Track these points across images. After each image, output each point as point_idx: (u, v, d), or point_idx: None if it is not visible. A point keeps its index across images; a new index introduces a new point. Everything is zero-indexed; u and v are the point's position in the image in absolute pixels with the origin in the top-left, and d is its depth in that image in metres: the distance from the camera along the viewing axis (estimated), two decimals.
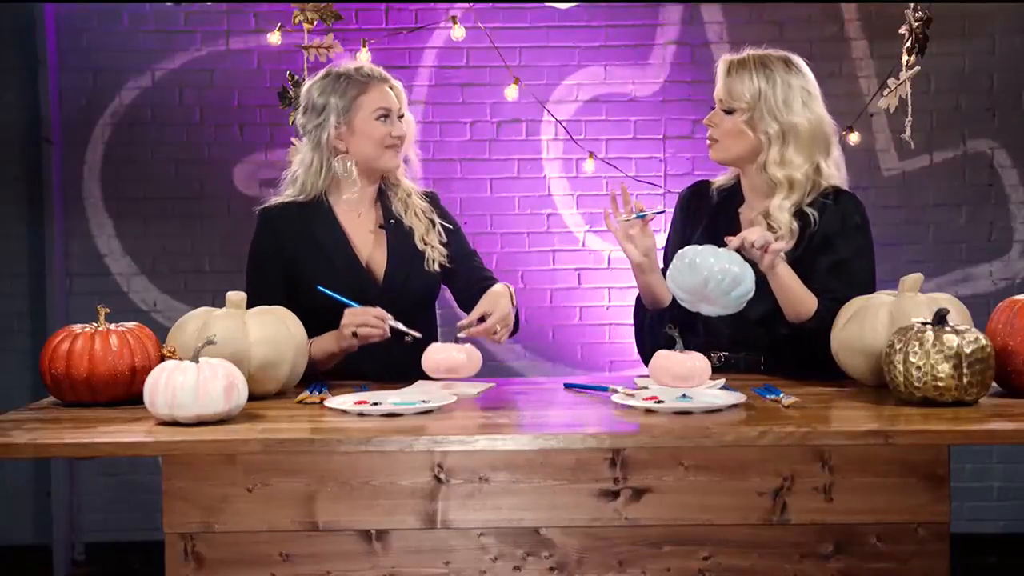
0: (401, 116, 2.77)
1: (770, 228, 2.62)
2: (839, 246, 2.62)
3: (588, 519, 2.06)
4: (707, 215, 2.77)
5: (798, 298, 2.52)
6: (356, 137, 2.72)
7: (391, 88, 2.76)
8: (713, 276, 2.34)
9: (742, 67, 2.65)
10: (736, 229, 2.69)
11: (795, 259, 2.58)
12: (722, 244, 2.43)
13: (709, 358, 2.66)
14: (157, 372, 2.14)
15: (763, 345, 2.66)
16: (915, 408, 2.16)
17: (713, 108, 2.70)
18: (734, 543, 2.07)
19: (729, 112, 2.66)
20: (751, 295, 2.38)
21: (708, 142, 2.71)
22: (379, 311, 2.55)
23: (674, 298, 2.64)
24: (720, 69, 2.68)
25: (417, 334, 2.55)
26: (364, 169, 2.76)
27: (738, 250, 2.42)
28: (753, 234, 2.44)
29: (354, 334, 2.53)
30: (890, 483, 2.05)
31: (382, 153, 2.73)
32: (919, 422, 2.06)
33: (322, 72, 2.77)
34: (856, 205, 2.67)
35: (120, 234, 4.59)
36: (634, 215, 2.60)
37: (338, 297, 2.58)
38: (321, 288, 2.59)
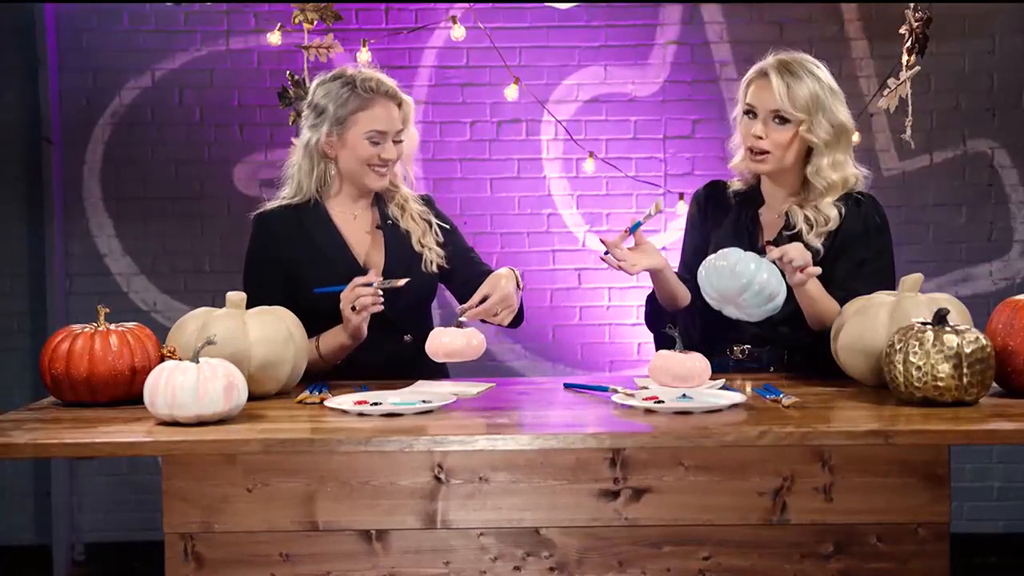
0: (400, 138, 2.71)
1: (808, 223, 2.62)
2: (861, 248, 2.63)
3: (588, 519, 2.06)
4: (727, 216, 2.75)
5: (824, 310, 2.53)
6: (345, 151, 2.70)
7: (399, 105, 2.71)
8: (752, 286, 2.32)
9: (792, 73, 2.58)
10: (756, 231, 2.70)
11: (819, 260, 2.57)
12: (749, 248, 2.41)
13: (732, 352, 2.68)
14: (157, 372, 2.13)
15: (786, 342, 2.66)
16: (915, 408, 2.16)
17: (749, 114, 2.62)
18: (734, 543, 2.07)
19: (784, 121, 2.59)
20: (778, 311, 2.38)
21: (757, 156, 2.62)
22: (362, 278, 2.53)
23: (695, 295, 2.64)
24: (772, 75, 2.58)
25: (402, 281, 2.53)
26: (349, 180, 2.75)
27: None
28: (794, 251, 2.41)
29: (353, 309, 2.52)
30: (890, 483, 2.05)
31: (367, 172, 2.70)
32: (919, 422, 2.06)
33: (335, 72, 2.73)
34: (876, 206, 2.69)
35: (120, 234, 4.59)
36: (630, 229, 2.53)
37: (334, 289, 2.57)
38: (317, 290, 2.60)
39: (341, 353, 2.63)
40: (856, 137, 4.25)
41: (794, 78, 2.58)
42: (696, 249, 2.74)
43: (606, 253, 2.53)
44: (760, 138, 2.61)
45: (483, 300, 2.54)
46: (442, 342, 2.43)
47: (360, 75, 2.70)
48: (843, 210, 2.64)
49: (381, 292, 2.53)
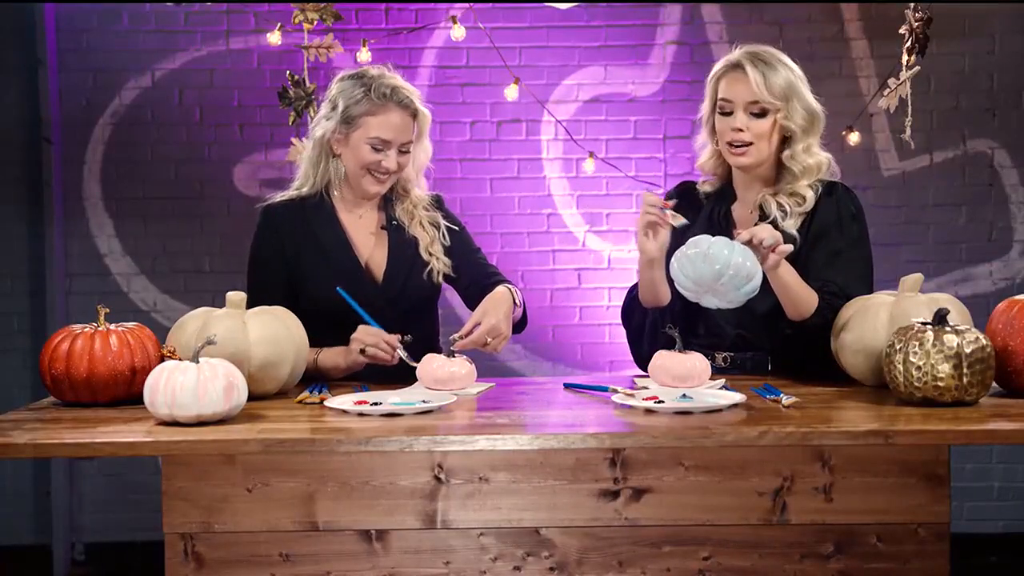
0: (407, 149, 2.69)
1: (782, 209, 2.63)
2: (835, 238, 2.62)
3: (588, 519, 2.06)
4: (700, 214, 2.75)
5: (799, 296, 2.50)
6: (349, 151, 2.69)
7: (414, 116, 2.68)
8: (727, 270, 2.29)
9: (765, 63, 2.60)
10: (730, 227, 2.69)
11: (796, 250, 2.57)
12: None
13: (714, 359, 2.66)
14: (157, 372, 2.13)
15: (768, 344, 2.65)
16: (915, 408, 2.16)
17: (723, 113, 2.62)
18: (734, 543, 2.07)
19: (762, 114, 2.60)
20: (756, 292, 2.37)
21: (739, 148, 2.61)
22: (393, 339, 2.53)
23: (674, 297, 2.63)
24: (749, 69, 2.58)
25: (416, 364, 2.50)
26: (351, 181, 2.74)
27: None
28: (764, 232, 2.40)
29: (362, 351, 2.52)
30: (890, 483, 2.05)
31: (365, 176, 2.69)
32: (919, 422, 2.06)
33: (359, 70, 2.71)
34: (850, 196, 2.67)
35: (120, 234, 4.59)
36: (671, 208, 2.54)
37: (354, 305, 2.56)
38: (340, 291, 2.58)
39: (336, 373, 2.62)
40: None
41: (768, 67, 2.60)
42: (670, 249, 2.73)
43: (661, 209, 2.53)
44: (740, 130, 2.61)
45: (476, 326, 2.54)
46: (431, 370, 2.45)
47: (378, 79, 2.67)
48: (818, 190, 2.64)
49: (398, 354, 2.52)
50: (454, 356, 2.46)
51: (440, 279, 2.76)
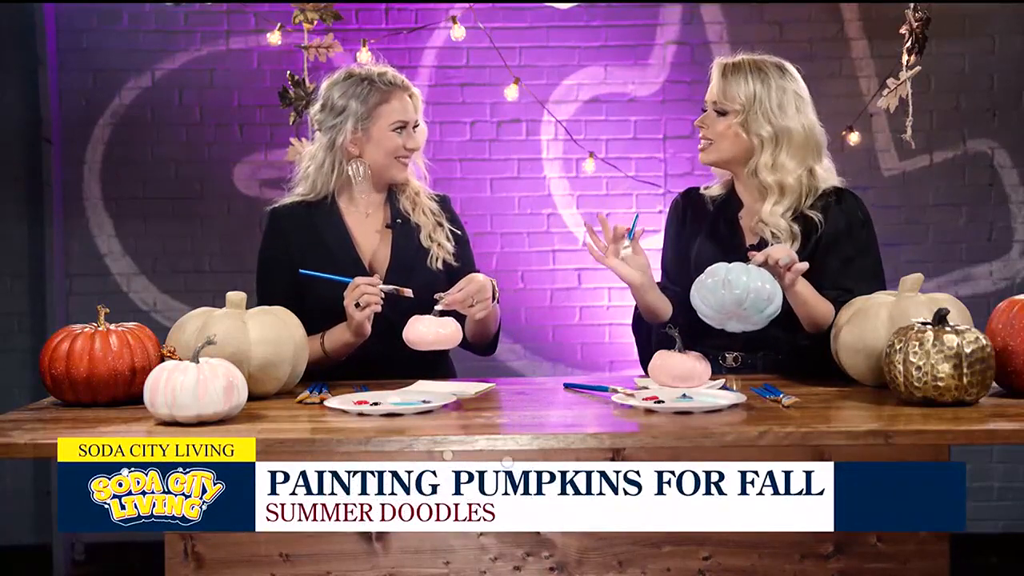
0: (416, 126, 2.78)
1: (772, 235, 2.61)
2: (846, 245, 2.62)
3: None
4: (706, 223, 2.75)
5: (816, 310, 2.51)
6: (371, 145, 2.73)
7: (411, 96, 2.77)
8: (749, 295, 2.30)
9: (737, 70, 2.64)
10: (737, 235, 2.69)
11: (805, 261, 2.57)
12: (731, 253, 2.40)
13: (724, 359, 2.67)
14: (157, 372, 2.14)
15: (781, 347, 2.64)
16: (915, 408, 2.16)
17: (704, 111, 2.70)
18: (734, 543, 2.07)
19: (722, 114, 2.65)
20: (779, 312, 2.37)
21: (700, 144, 2.70)
22: (367, 278, 2.56)
23: (675, 310, 2.63)
24: (714, 72, 2.67)
25: (408, 292, 2.56)
26: (373, 175, 2.77)
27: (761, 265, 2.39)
28: (779, 252, 2.40)
29: (357, 305, 2.53)
30: None
31: (392, 163, 2.75)
32: (919, 422, 2.06)
33: (344, 72, 2.77)
34: (857, 202, 2.68)
35: (120, 234, 4.59)
36: (627, 237, 2.56)
37: (322, 275, 2.58)
38: (303, 272, 2.61)
39: (346, 350, 2.64)
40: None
41: (737, 72, 2.64)
42: (678, 259, 2.75)
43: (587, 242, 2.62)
44: (702, 127, 2.69)
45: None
46: (419, 330, 2.47)
47: (374, 70, 2.75)
48: (819, 217, 2.61)
49: (383, 293, 2.55)
50: (441, 316, 2.50)
51: (439, 264, 2.77)
